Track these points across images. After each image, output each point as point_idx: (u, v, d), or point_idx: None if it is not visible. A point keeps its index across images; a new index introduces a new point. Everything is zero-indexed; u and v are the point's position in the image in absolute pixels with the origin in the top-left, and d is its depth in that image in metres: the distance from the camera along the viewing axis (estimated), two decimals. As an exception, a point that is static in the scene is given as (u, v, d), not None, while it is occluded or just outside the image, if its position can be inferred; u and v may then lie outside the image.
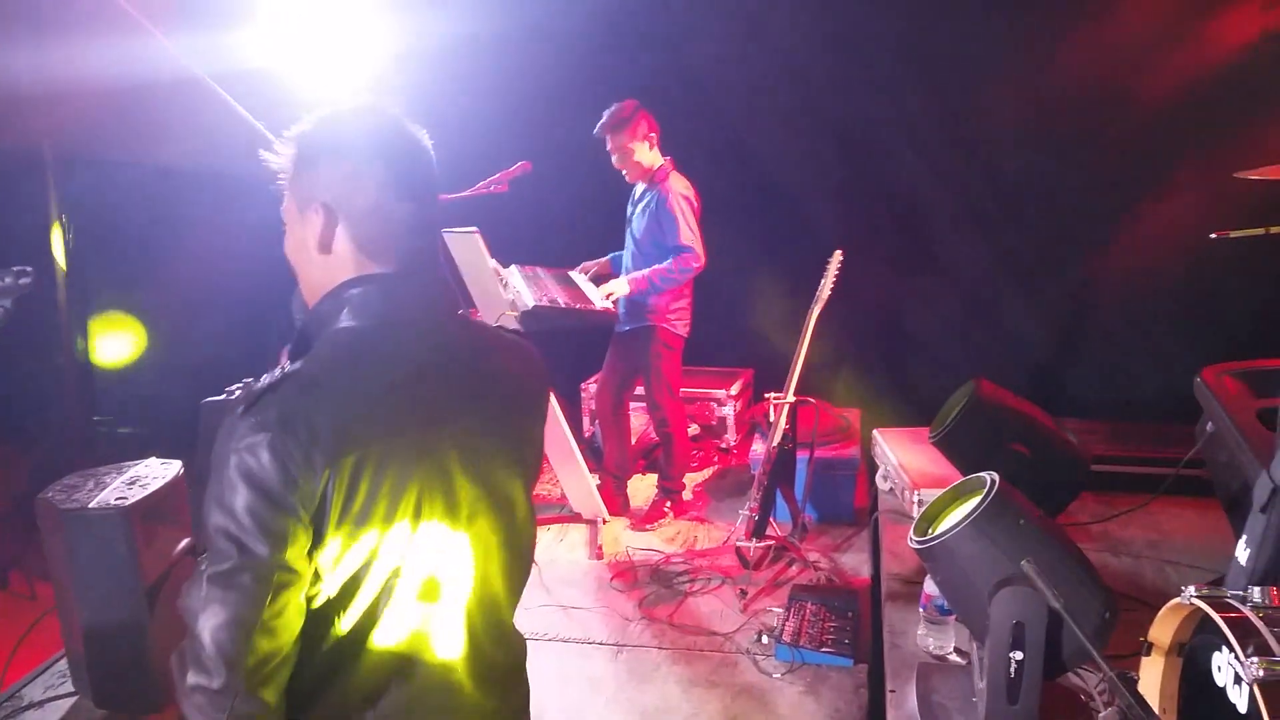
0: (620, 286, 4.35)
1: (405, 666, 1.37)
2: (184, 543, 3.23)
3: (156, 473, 3.18)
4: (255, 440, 1.20)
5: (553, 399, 4.13)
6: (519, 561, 1.55)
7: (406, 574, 1.34)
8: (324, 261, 1.39)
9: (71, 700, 3.12)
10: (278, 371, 1.27)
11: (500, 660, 1.52)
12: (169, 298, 6.02)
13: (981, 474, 2.36)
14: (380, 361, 1.34)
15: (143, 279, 5.97)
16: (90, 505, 2.90)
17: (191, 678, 1.23)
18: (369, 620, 1.32)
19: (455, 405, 1.42)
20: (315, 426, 1.23)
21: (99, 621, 2.95)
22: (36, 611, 3.45)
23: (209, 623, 1.21)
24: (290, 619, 1.25)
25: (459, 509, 1.40)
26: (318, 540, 1.25)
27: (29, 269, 1.71)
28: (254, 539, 1.20)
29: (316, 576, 1.27)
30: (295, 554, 1.23)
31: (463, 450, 1.41)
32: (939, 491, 2.54)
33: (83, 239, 5.81)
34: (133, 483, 3.07)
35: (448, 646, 1.43)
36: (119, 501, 2.93)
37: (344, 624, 1.31)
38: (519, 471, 1.52)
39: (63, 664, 3.20)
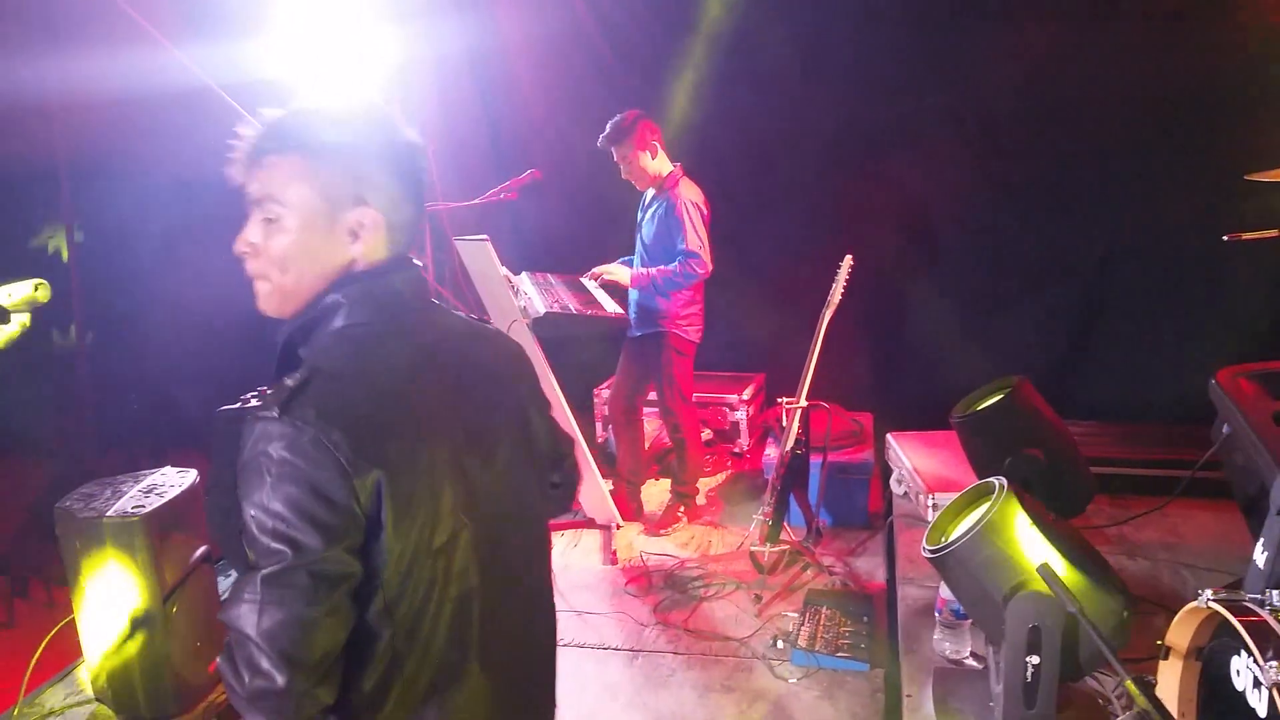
0: (621, 274, 4.37)
1: (462, 662, 1.37)
2: (200, 550, 3.25)
3: (173, 481, 3.20)
4: (299, 437, 1.19)
5: (560, 397, 4.15)
6: (543, 551, 1.58)
7: (455, 568, 1.34)
8: (340, 268, 1.37)
9: (90, 707, 3.14)
10: (300, 372, 1.25)
11: (545, 649, 1.56)
12: (180, 308, 6.06)
13: (990, 479, 2.35)
14: (398, 355, 1.35)
15: (154, 289, 6.01)
16: (108, 513, 2.93)
17: (253, 682, 1.19)
18: (424, 615, 1.32)
19: (471, 397, 1.43)
20: (357, 422, 1.23)
21: (117, 628, 2.97)
22: (54, 619, 3.47)
23: (266, 623, 1.18)
24: (345, 615, 1.24)
25: (488, 500, 1.41)
26: (370, 538, 1.25)
27: (47, 281, 1.73)
28: (306, 534, 1.19)
29: (371, 574, 1.26)
30: (347, 548, 1.23)
31: (483, 444, 1.42)
32: (954, 495, 2.53)
33: (95, 249, 5.85)
34: (149, 491, 3.09)
35: (499, 638, 1.43)
36: (136, 510, 2.95)
37: (401, 620, 1.30)
38: (532, 461, 1.55)
39: (82, 671, 3.22)
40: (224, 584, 3.92)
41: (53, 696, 3.23)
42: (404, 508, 1.26)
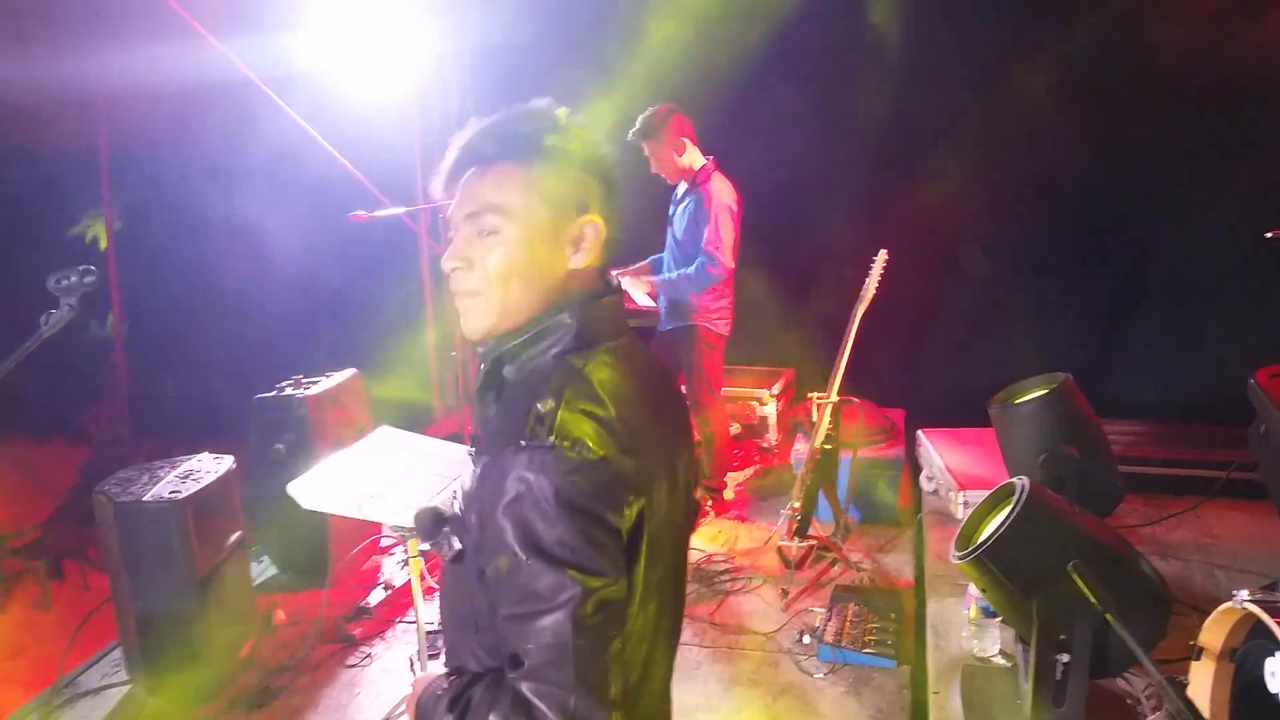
0: (640, 287, 4.38)
1: (664, 703, 1.37)
2: (235, 535, 3.30)
3: (209, 467, 3.25)
4: (577, 464, 1.13)
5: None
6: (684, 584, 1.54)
7: (668, 608, 1.33)
8: (560, 280, 1.30)
9: (126, 688, 3.20)
10: (553, 399, 1.18)
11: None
12: (217, 297, 6.14)
13: (1013, 480, 2.34)
14: (631, 380, 1.28)
15: (191, 279, 6.09)
16: (145, 498, 2.98)
17: None
18: (652, 651, 1.29)
19: (669, 425, 1.39)
20: (621, 450, 1.18)
21: (152, 611, 3.03)
22: (90, 602, 3.54)
23: (584, 664, 1.10)
24: (633, 645, 1.21)
25: (681, 552, 1.42)
26: (624, 572, 1.19)
27: (93, 268, 1.76)
28: (599, 562, 1.13)
29: (624, 617, 1.20)
30: (619, 578, 1.17)
31: (680, 486, 1.39)
32: (985, 493, 2.52)
33: (134, 239, 5.94)
34: (186, 477, 3.15)
35: (667, 680, 1.42)
36: (173, 495, 3.00)
37: (632, 659, 1.25)
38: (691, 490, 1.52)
39: (117, 653, 3.28)
40: (257, 569, 3.98)
41: (89, 678, 3.29)
42: (655, 540, 1.23)
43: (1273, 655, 1.90)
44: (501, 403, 1.28)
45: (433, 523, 1.30)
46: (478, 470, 1.24)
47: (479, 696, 1.16)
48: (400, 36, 5.16)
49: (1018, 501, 2.22)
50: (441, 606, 1.42)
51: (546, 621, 1.10)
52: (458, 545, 1.26)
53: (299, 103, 4.83)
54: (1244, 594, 1.98)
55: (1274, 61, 4.49)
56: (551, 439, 1.13)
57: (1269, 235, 2.83)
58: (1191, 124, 4.72)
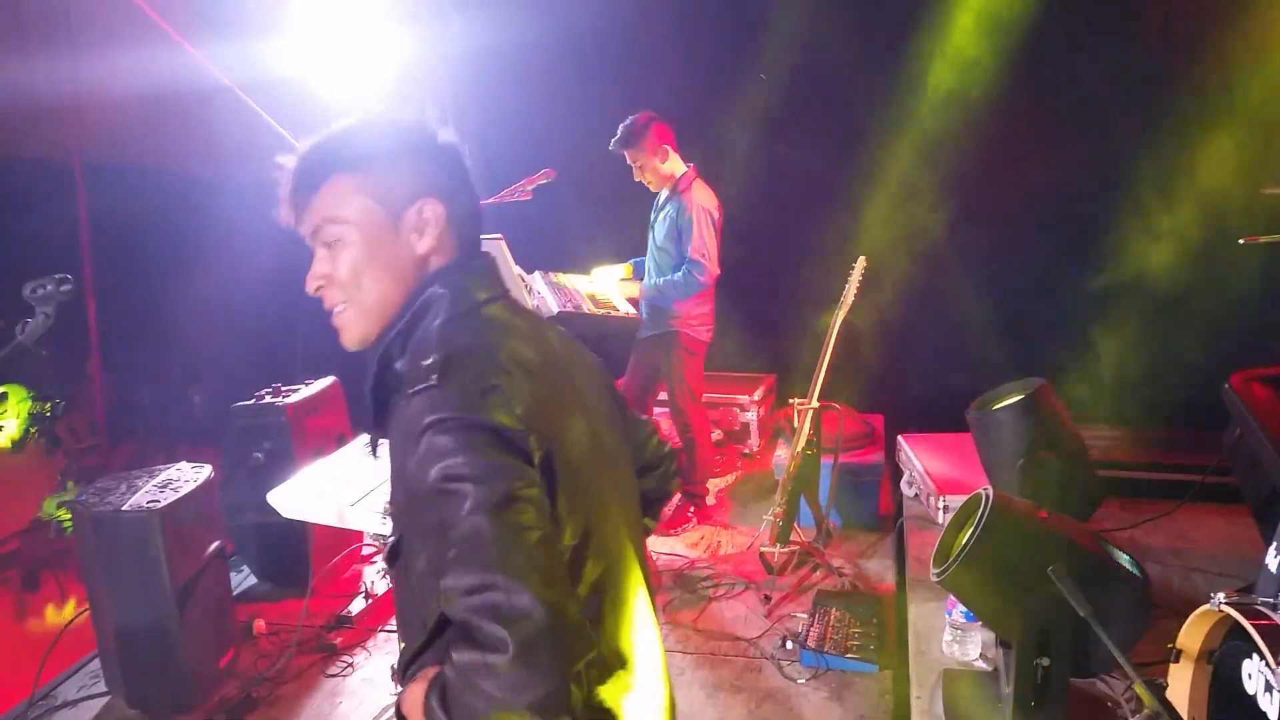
0: (632, 289, 4.39)
1: (627, 651, 1.34)
2: (214, 545, 3.27)
3: (187, 476, 3.23)
4: (466, 395, 1.17)
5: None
6: (640, 531, 1.55)
7: (608, 554, 1.32)
8: (417, 263, 1.36)
9: (104, 699, 3.16)
10: (437, 353, 1.22)
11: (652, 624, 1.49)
12: (194, 305, 6.09)
13: (979, 491, 2.35)
14: (519, 330, 1.33)
15: (169, 287, 6.04)
16: (123, 507, 2.96)
17: (509, 629, 1.04)
18: (600, 593, 1.29)
19: (580, 374, 1.44)
20: (513, 392, 1.20)
21: (131, 622, 3.00)
22: (67, 613, 3.50)
23: (510, 555, 1.08)
24: (557, 545, 1.19)
25: (617, 479, 1.42)
26: (547, 491, 1.19)
27: (69, 276, 1.75)
28: (509, 459, 1.14)
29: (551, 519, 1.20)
30: (539, 483, 1.17)
31: (601, 418, 1.42)
32: (964, 498, 2.53)
33: (110, 247, 5.88)
34: (164, 486, 3.12)
35: (647, 627, 1.41)
36: (151, 504, 2.98)
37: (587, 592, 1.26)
38: (627, 445, 1.56)
39: (95, 664, 3.25)
40: (237, 579, 3.95)
41: (67, 689, 3.25)
42: (570, 483, 1.23)
43: (1249, 657, 1.92)
44: (406, 373, 1.28)
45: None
46: (388, 450, 1.26)
47: (447, 672, 1.11)
48: (378, 42, 5.15)
49: (983, 513, 2.23)
50: (396, 617, 1.41)
51: (462, 528, 1.09)
52: (391, 537, 1.27)
53: (277, 109, 4.81)
54: (1220, 597, 1.99)
55: (1244, 71, 4.55)
56: (435, 378, 1.18)
57: (1244, 240, 2.86)
58: (1165, 132, 4.77)
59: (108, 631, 3.04)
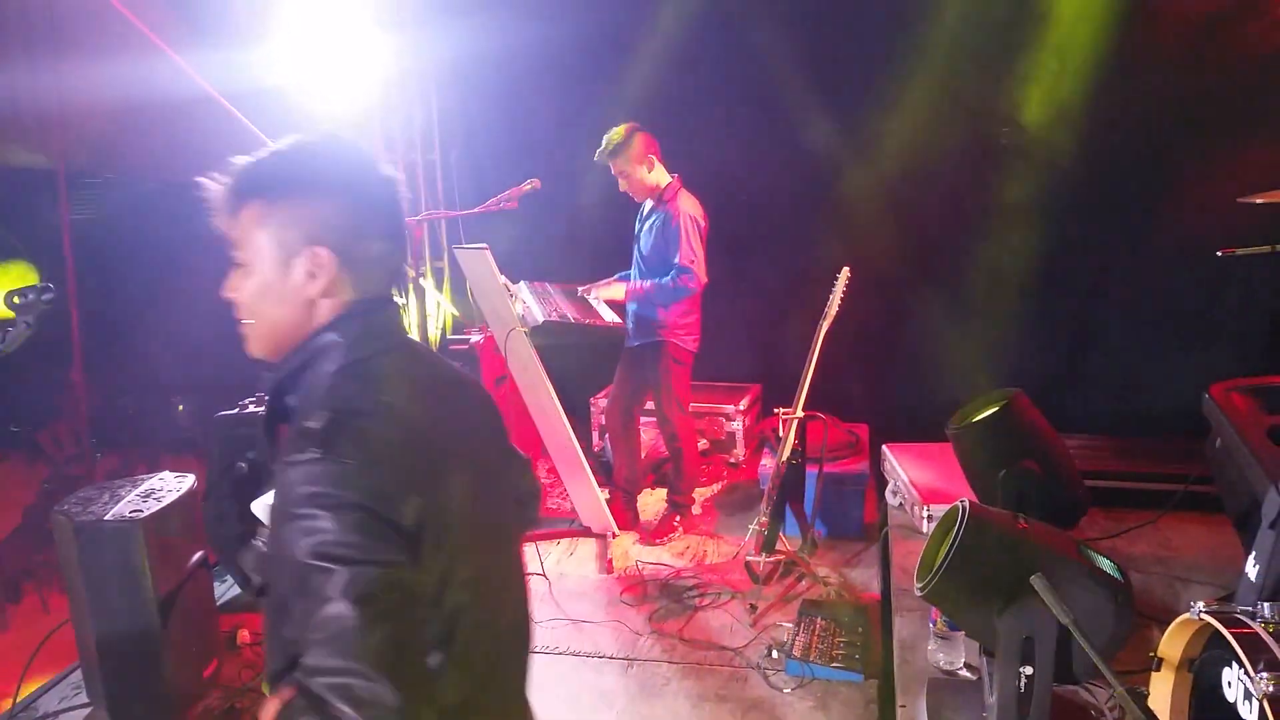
0: (617, 291, 4.39)
1: (479, 694, 1.37)
2: (197, 555, 3.26)
3: (170, 486, 3.21)
4: (345, 471, 1.18)
5: (557, 405, 4.18)
6: (523, 569, 1.60)
7: (482, 598, 1.35)
8: (308, 305, 1.36)
9: (85, 711, 3.13)
10: (322, 414, 1.23)
11: (526, 673, 1.57)
12: (177, 314, 6.06)
13: (956, 504, 2.36)
14: (408, 386, 1.34)
15: (152, 295, 6.01)
16: (105, 517, 2.94)
17: (359, 712, 1.08)
18: (445, 651, 1.30)
19: (469, 426, 1.46)
20: (393, 454, 1.22)
21: (113, 632, 2.98)
22: (49, 623, 3.47)
23: (370, 642, 1.11)
24: (420, 629, 1.23)
25: (495, 525, 1.45)
26: (416, 562, 1.22)
27: (51, 286, 1.74)
28: (382, 550, 1.16)
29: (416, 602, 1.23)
30: (410, 566, 1.20)
31: (488, 470, 1.46)
32: (948, 507, 2.54)
33: (93, 255, 5.85)
34: (147, 495, 3.10)
35: (503, 667, 1.47)
36: (134, 514, 2.96)
37: (444, 652, 1.29)
38: (512, 485, 1.60)
39: (77, 675, 3.23)
40: (219, 589, 3.93)
41: (48, 701, 3.22)
42: (439, 535, 1.25)
43: (1229, 665, 1.94)
44: (291, 428, 1.30)
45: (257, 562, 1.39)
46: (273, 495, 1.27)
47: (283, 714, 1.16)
48: (361, 51, 5.16)
49: (960, 525, 2.24)
50: (264, 634, 1.42)
51: (328, 611, 1.11)
52: (256, 580, 1.32)
53: (261, 117, 4.80)
54: (1201, 605, 2.01)
55: (1227, 85, 4.60)
56: (316, 451, 1.18)
57: (1222, 253, 2.89)
58: (1147, 144, 4.82)
59: (89, 642, 3.01)
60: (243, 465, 3.54)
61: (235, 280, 1.39)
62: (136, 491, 3.13)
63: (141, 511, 2.98)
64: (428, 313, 6.07)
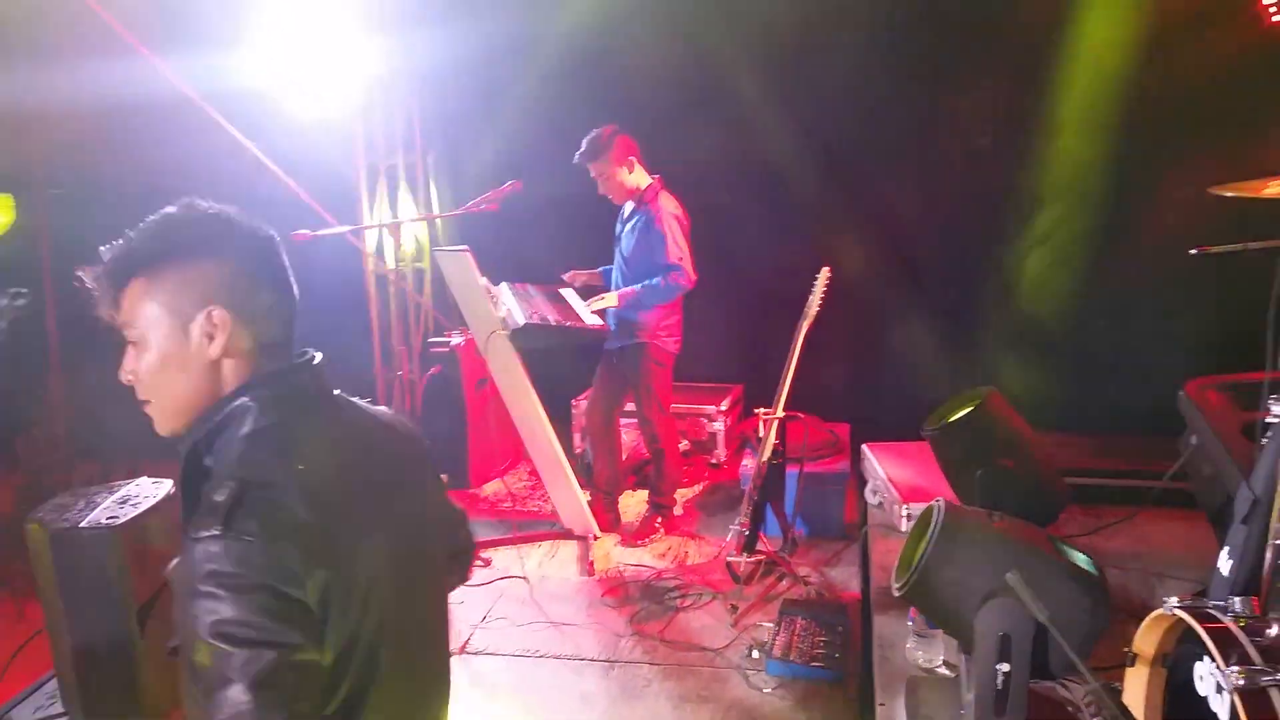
0: (610, 299, 4.39)
1: None
2: (174, 562, 3.23)
3: (147, 492, 3.18)
4: (248, 551, 1.18)
5: (539, 408, 4.17)
6: (447, 625, 1.61)
7: (386, 655, 1.34)
8: (212, 368, 1.36)
9: (61, 720, 3.11)
10: (228, 487, 1.23)
11: None
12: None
13: (931, 504, 2.38)
14: (319, 453, 1.34)
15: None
16: (81, 525, 2.91)
17: None
18: (357, 706, 1.31)
19: (387, 486, 1.45)
20: (297, 528, 1.22)
21: (89, 642, 2.95)
22: (24, 632, 3.44)
23: None
24: (321, 706, 1.25)
25: (413, 584, 1.44)
26: (319, 638, 1.23)
27: (24, 290, 1.73)
28: (283, 633, 1.17)
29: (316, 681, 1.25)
30: (314, 643, 1.22)
31: (405, 530, 1.44)
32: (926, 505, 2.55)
33: (69, 260, 5.81)
34: (124, 502, 3.07)
35: None
36: (110, 521, 2.93)
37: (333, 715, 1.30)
38: (439, 539, 1.61)
39: (52, 685, 3.19)
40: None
41: (22, 712, 3.19)
42: (345, 602, 1.26)
43: (1201, 660, 1.95)
44: (204, 495, 1.29)
45: None
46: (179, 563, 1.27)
47: None
48: (343, 55, 5.14)
49: (935, 524, 2.26)
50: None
51: (227, 693, 1.13)
52: (171, 642, 1.29)
53: (241, 120, 4.78)
54: (1173, 600, 2.03)
55: (1197, 81, 4.64)
56: (219, 528, 1.18)
57: (1196, 250, 2.91)
58: (1124, 141, 4.86)
59: (65, 652, 2.98)
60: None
61: (129, 362, 1.38)
62: (113, 498, 3.10)
63: (118, 518, 2.95)
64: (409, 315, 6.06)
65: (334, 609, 1.24)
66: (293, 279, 1.44)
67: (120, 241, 1.38)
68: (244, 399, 1.34)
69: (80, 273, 1.38)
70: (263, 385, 1.36)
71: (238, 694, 1.13)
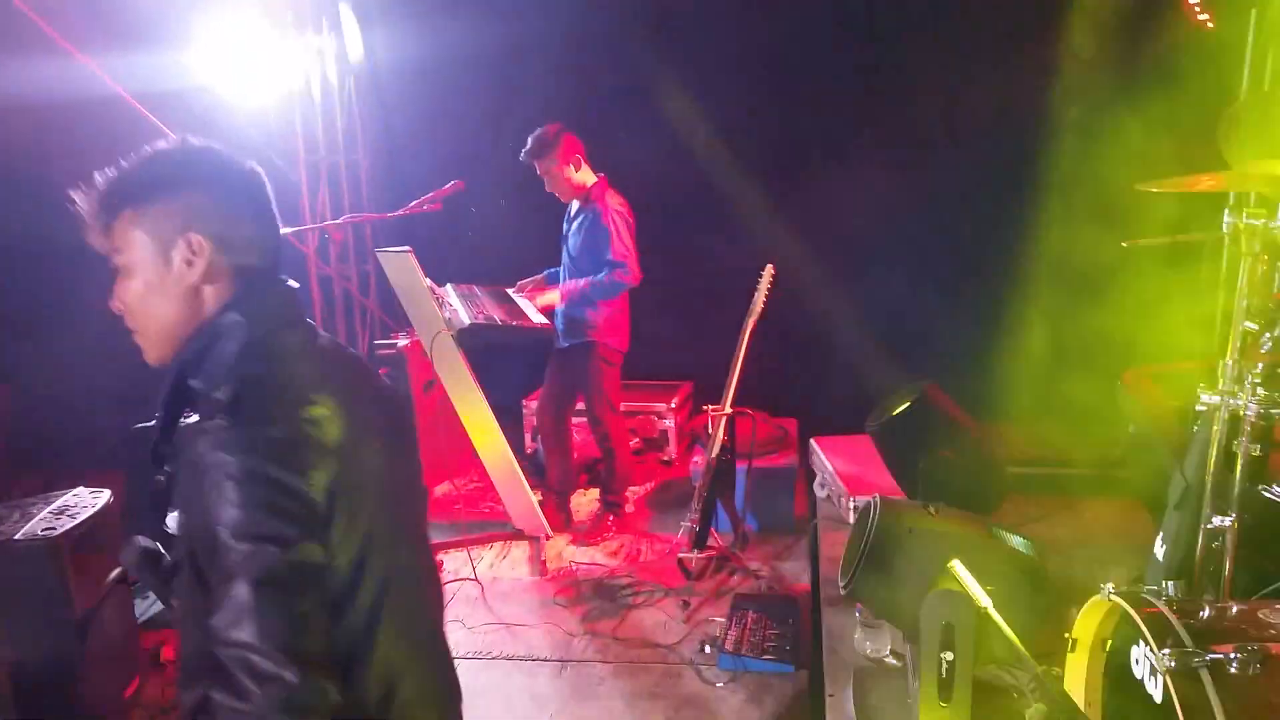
0: (553, 297, 4.38)
1: (405, 666, 1.42)
2: (115, 572, 3.17)
3: (85, 502, 3.12)
4: (254, 438, 1.22)
5: (486, 409, 4.15)
6: (428, 539, 1.65)
7: (391, 572, 1.38)
8: (193, 294, 1.41)
9: (-1, 737, 3.04)
10: (230, 386, 1.28)
11: (450, 667, 1.62)
12: (92, 324, 5.89)
13: (868, 500, 2.41)
14: (313, 358, 1.41)
15: (65, 305, 5.83)
16: (16, 537, 2.85)
17: (266, 691, 1.14)
18: (372, 618, 1.35)
19: (374, 397, 1.52)
20: (301, 422, 1.27)
21: (28, 655, 2.89)
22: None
23: (266, 625, 1.16)
24: (328, 608, 1.26)
25: (405, 493, 1.51)
26: (325, 535, 1.26)
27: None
28: (284, 528, 1.20)
29: (322, 582, 1.27)
30: (318, 541, 1.25)
31: (396, 439, 1.52)
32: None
33: (2, 265, 5.67)
34: (61, 512, 3.02)
35: (428, 646, 1.53)
36: (46, 532, 2.87)
37: (352, 621, 1.33)
38: (418, 470, 1.68)
39: (-10, 700, 3.11)
40: (140, 605, 3.83)
41: (-40, 727, 3.12)
42: (354, 504, 1.30)
43: (1137, 644, 2.00)
44: (196, 410, 1.34)
45: (140, 559, 1.38)
46: (175, 474, 1.33)
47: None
48: (282, 54, 5.08)
49: (872, 522, 2.29)
50: (179, 645, 1.45)
51: (233, 588, 1.17)
52: (168, 559, 1.34)
53: (180, 118, 4.69)
54: (1109, 587, 2.07)
55: (1131, 70, 4.75)
56: (226, 418, 1.24)
57: (1126, 244, 2.98)
58: (1057, 138, 4.96)
59: (2, 668, 2.92)
60: (160, 479, 3.45)
61: (119, 289, 1.43)
62: (50, 508, 3.04)
63: (55, 529, 2.89)
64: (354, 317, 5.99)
65: (341, 509, 1.27)
66: (276, 213, 1.49)
67: (112, 172, 1.41)
68: (232, 314, 1.38)
69: (72, 194, 1.41)
70: (248, 300, 1.40)
71: (240, 588, 1.16)
